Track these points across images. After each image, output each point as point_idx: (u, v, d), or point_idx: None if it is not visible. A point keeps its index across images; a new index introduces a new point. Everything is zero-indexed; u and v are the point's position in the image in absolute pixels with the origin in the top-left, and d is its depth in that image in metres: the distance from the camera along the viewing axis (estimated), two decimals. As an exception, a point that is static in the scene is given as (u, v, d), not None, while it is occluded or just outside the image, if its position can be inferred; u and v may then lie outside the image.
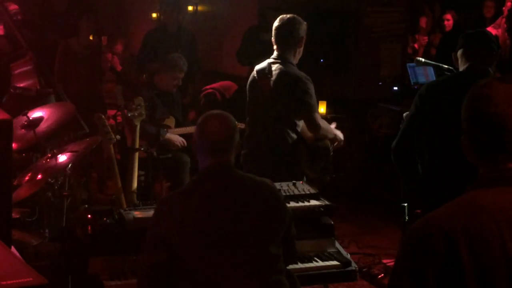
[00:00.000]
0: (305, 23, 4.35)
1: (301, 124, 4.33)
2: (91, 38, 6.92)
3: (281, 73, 4.25)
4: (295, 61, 4.32)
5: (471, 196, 1.72)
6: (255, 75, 4.40)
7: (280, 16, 4.35)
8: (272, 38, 4.35)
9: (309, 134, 4.30)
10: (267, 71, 4.31)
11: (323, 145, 4.35)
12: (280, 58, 4.30)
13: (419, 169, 3.42)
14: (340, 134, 4.51)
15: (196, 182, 2.74)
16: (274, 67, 4.30)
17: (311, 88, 4.23)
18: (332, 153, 4.46)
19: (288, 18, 4.30)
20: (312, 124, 4.24)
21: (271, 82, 4.28)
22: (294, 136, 4.31)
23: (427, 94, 3.38)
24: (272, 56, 4.35)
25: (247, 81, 7.06)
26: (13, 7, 6.78)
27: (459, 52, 3.47)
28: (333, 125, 4.55)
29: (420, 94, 3.40)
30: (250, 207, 2.68)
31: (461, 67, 3.44)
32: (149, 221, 2.73)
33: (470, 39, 3.46)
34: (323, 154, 4.33)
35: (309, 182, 3.95)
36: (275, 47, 4.34)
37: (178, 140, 5.43)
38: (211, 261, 2.58)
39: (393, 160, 3.48)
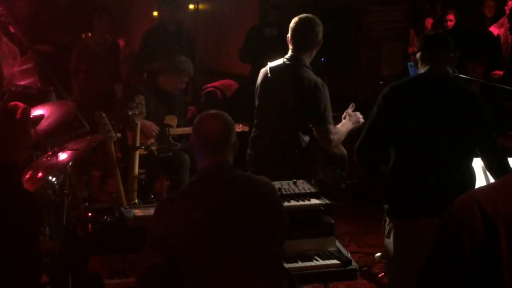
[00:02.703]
0: (321, 25, 4.21)
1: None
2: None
3: (298, 77, 4.14)
4: (308, 63, 4.21)
5: None
6: (269, 74, 4.27)
7: (300, 16, 4.22)
8: (288, 36, 4.20)
9: None
10: (283, 72, 4.20)
11: (340, 152, 4.28)
12: (296, 60, 4.19)
13: (381, 168, 3.45)
14: (356, 121, 4.34)
15: (196, 183, 2.73)
16: (290, 68, 4.19)
17: (326, 96, 4.12)
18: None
19: (309, 19, 4.18)
20: (324, 136, 4.16)
21: (287, 85, 4.18)
22: (307, 139, 4.25)
23: (390, 95, 3.42)
24: (287, 56, 4.23)
25: (248, 80, 7.10)
26: None
27: (418, 55, 3.51)
28: (350, 109, 4.40)
29: (383, 95, 3.44)
30: (250, 206, 2.68)
31: (421, 69, 3.48)
32: (149, 222, 2.74)
33: (429, 42, 3.49)
34: (340, 162, 4.26)
35: (309, 181, 3.94)
36: (291, 46, 4.21)
37: (152, 128, 5.32)
38: (212, 261, 2.58)
39: (356, 160, 3.51)
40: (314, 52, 4.26)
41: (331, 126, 4.18)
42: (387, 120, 3.39)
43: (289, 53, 4.23)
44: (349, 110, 4.43)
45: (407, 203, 3.36)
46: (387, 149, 3.47)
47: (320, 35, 4.20)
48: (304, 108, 4.16)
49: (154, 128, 5.30)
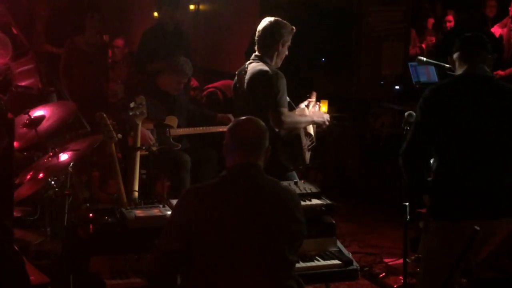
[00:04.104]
0: (290, 27, 4.41)
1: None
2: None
3: (251, 71, 4.35)
4: (273, 62, 4.39)
5: None
6: (236, 77, 4.52)
7: (264, 18, 4.44)
8: (255, 39, 4.44)
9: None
10: (243, 71, 4.42)
11: (294, 134, 4.38)
12: (256, 57, 4.41)
13: (425, 174, 3.41)
14: (320, 116, 4.51)
15: (225, 178, 2.76)
16: (249, 66, 4.39)
17: (277, 82, 4.24)
18: (314, 141, 4.50)
19: (270, 21, 4.40)
20: (276, 118, 4.24)
21: (247, 80, 4.36)
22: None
23: (432, 97, 3.37)
24: (251, 57, 4.45)
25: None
26: None
27: (456, 55, 3.48)
28: (307, 102, 4.56)
29: (424, 98, 3.38)
30: (273, 211, 2.71)
31: (459, 70, 3.44)
32: (172, 209, 2.82)
33: (468, 42, 3.47)
34: (295, 143, 4.37)
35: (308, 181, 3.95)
36: (255, 47, 4.44)
37: (148, 136, 5.32)
38: (226, 257, 2.60)
39: (401, 165, 3.43)
40: (281, 51, 4.41)
41: (284, 109, 4.27)
42: (432, 123, 3.34)
43: (254, 54, 4.45)
44: (311, 99, 4.57)
45: (451, 205, 3.29)
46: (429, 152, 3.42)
47: (280, 36, 4.37)
48: (257, 98, 4.30)
49: (148, 137, 5.26)
